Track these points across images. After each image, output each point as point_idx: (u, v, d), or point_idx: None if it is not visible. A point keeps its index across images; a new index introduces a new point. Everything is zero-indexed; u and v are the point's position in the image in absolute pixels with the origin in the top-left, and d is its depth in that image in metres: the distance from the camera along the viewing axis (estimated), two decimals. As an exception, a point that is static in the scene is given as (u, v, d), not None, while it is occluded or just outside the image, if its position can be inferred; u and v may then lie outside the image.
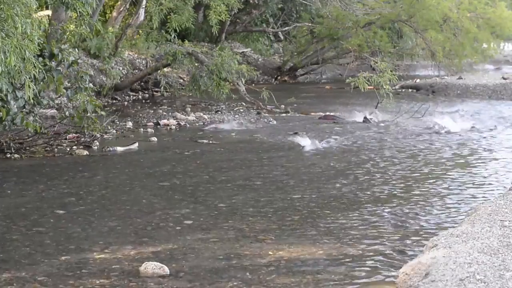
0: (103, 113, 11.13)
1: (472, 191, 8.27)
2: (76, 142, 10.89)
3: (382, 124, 13.64)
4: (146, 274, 5.30)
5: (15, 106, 9.44)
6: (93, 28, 12.34)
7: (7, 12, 6.94)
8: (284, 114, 15.07)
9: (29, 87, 7.45)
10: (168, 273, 5.33)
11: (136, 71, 18.39)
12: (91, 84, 11.01)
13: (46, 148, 10.42)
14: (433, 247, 5.11)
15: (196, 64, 15.17)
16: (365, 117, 14.02)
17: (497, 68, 27.03)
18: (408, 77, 23.37)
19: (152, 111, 15.13)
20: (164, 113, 14.72)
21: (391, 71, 14.70)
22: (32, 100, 8.79)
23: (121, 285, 5.14)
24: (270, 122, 13.94)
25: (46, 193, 7.95)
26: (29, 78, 7.58)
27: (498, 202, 6.40)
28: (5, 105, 9.32)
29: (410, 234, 6.47)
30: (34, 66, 7.52)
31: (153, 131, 12.65)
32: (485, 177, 9.05)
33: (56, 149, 10.42)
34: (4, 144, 10.02)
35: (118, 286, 5.13)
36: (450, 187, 8.46)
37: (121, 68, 17.77)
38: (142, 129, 12.82)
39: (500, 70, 26.07)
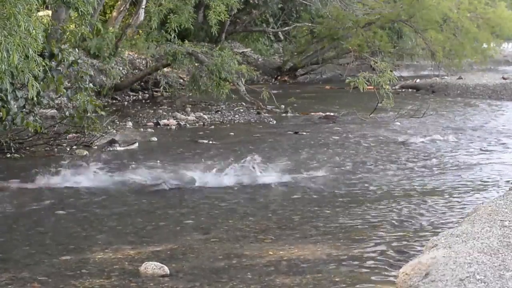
0: (103, 113, 11.11)
1: (472, 191, 8.27)
2: (76, 142, 10.89)
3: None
4: (146, 274, 5.30)
5: (15, 106, 9.44)
6: (94, 27, 12.32)
7: (10, 11, 6.93)
8: (284, 114, 15.06)
9: (33, 86, 7.45)
10: (168, 273, 5.32)
11: (136, 71, 18.37)
12: (91, 84, 10.99)
13: (46, 148, 10.42)
14: (433, 247, 5.11)
15: (196, 64, 15.16)
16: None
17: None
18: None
19: (152, 111, 15.11)
20: (164, 113, 14.71)
21: (391, 71, 14.67)
22: (33, 100, 8.77)
23: (121, 285, 5.14)
24: (270, 122, 13.94)
25: (46, 193, 7.94)
26: (32, 76, 7.57)
27: (498, 202, 6.39)
28: (5, 105, 9.31)
29: (410, 234, 6.47)
30: (37, 64, 7.51)
31: (153, 131, 12.64)
32: (485, 177, 9.04)
33: (56, 149, 10.42)
34: (4, 144, 10.01)
35: (118, 286, 5.13)
36: (450, 187, 8.45)
37: (121, 68, 17.76)
38: (142, 129, 12.81)
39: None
